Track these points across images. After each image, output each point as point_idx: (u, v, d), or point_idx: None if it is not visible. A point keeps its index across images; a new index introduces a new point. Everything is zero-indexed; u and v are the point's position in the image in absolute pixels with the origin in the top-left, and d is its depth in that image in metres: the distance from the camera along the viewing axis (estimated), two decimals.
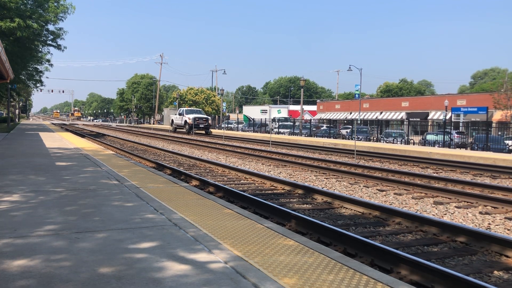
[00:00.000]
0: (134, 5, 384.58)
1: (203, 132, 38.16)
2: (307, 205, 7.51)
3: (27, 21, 24.47)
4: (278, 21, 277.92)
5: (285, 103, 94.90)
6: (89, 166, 9.12)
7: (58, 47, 30.62)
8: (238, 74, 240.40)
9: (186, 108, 42.16)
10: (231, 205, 5.50)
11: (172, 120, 43.07)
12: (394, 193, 8.89)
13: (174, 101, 67.05)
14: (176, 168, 11.34)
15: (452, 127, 30.01)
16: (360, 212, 7.00)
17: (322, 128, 42.69)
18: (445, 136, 27.07)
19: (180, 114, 40.42)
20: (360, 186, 9.88)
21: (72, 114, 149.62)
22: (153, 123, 77.69)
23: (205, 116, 39.50)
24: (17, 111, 63.85)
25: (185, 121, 38.46)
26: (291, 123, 42.43)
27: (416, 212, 7.24)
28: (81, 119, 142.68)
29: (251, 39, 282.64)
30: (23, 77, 35.11)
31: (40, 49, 31.25)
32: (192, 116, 37.81)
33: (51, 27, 29.50)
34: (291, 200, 7.99)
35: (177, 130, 42.10)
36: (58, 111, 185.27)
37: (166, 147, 21.30)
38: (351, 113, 60.41)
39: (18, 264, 3.10)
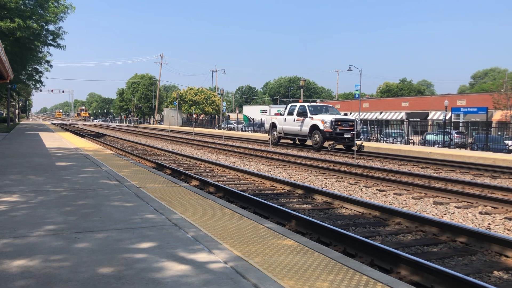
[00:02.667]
0: (134, 5, 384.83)
1: (342, 146, 21.11)
2: (307, 205, 7.51)
3: (27, 21, 24.48)
4: (278, 21, 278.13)
5: (285, 103, 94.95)
6: (89, 166, 9.11)
7: (59, 45, 30.61)
8: (238, 74, 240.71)
9: (309, 104, 23.06)
10: (231, 205, 5.49)
11: (273, 125, 24.25)
12: (394, 193, 8.89)
13: (174, 101, 67.12)
14: (176, 168, 11.34)
15: (452, 127, 30.05)
16: (360, 212, 6.99)
17: None
18: (445, 136, 27.10)
19: (299, 114, 22.13)
20: (360, 186, 9.88)
21: (78, 114, 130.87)
22: (153, 123, 77.70)
23: (349, 117, 22.93)
24: (17, 111, 63.89)
25: (314, 127, 20.82)
26: None
27: (416, 212, 7.24)
28: (88, 119, 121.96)
29: (251, 39, 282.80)
30: (23, 77, 35.11)
31: (40, 49, 31.26)
32: (328, 117, 20.55)
33: (51, 27, 29.56)
34: (291, 200, 7.98)
35: (282, 140, 24.61)
36: (61, 111, 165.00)
37: (165, 147, 21.30)
38: (351, 113, 60.44)
39: (18, 264, 3.10)
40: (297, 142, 24.52)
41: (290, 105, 24.03)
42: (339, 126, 20.30)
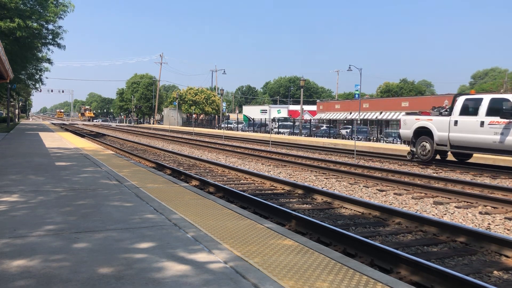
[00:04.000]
0: (134, 5, 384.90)
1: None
2: (307, 205, 7.51)
3: (27, 21, 24.47)
4: (278, 21, 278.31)
5: (285, 103, 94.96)
6: (89, 166, 9.11)
7: (58, 45, 30.57)
8: (238, 74, 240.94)
9: None
10: (231, 205, 5.50)
11: (422, 131, 14.83)
12: (394, 193, 8.89)
13: (174, 101, 67.14)
14: (176, 168, 11.34)
15: None
16: (360, 212, 6.99)
17: (322, 128, 42.71)
18: None
19: (504, 115, 12.27)
20: (360, 186, 9.87)
21: (83, 114, 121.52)
22: (153, 123, 77.70)
23: None
24: (16, 111, 63.91)
25: None
26: (291, 123, 42.45)
27: (416, 212, 7.24)
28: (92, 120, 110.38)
29: (251, 39, 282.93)
30: (23, 77, 35.09)
31: (40, 49, 31.22)
32: None
33: (50, 26, 29.51)
34: (291, 200, 7.98)
35: (442, 155, 15.34)
36: (62, 110, 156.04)
37: (165, 147, 21.30)
38: (351, 113, 60.42)
39: (18, 264, 3.09)
40: (452, 158, 15.53)
41: (463, 98, 14.07)
42: None
